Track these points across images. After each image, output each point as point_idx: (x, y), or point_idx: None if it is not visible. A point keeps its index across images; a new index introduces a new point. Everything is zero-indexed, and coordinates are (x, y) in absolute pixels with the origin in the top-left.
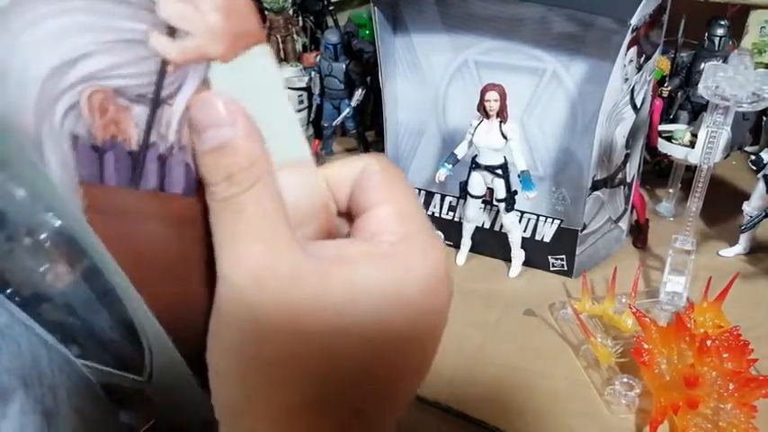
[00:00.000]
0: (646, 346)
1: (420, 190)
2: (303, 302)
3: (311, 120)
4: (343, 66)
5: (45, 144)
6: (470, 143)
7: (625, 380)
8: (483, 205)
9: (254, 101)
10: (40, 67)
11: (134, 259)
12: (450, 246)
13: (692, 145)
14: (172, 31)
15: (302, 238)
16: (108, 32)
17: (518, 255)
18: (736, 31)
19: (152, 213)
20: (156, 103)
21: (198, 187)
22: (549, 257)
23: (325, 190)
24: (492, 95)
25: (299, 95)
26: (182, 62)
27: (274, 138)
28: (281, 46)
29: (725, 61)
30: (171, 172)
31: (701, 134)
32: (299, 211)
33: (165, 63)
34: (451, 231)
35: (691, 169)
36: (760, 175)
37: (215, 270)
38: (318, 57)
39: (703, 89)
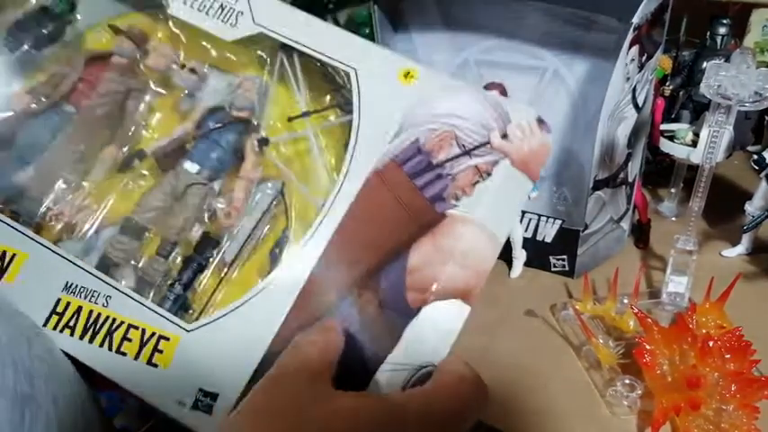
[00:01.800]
0: (647, 347)
1: None
2: None
3: None
4: None
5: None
6: None
7: (627, 381)
8: None
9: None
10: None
11: (362, 218)
12: None
13: (694, 144)
14: (504, 136)
15: None
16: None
17: (519, 255)
18: (739, 30)
19: (400, 197)
20: (467, 153)
21: (435, 208)
22: (551, 258)
23: None
24: None
25: None
26: (495, 147)
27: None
28: None
29: (727, 60)
30: (435, 184)
31: (703, 133)
32: None
33: (489, 141)
34: None
35: (693, 169)
36: (762, 174)
37: (388, 264)
38: None
39: (705, 88)
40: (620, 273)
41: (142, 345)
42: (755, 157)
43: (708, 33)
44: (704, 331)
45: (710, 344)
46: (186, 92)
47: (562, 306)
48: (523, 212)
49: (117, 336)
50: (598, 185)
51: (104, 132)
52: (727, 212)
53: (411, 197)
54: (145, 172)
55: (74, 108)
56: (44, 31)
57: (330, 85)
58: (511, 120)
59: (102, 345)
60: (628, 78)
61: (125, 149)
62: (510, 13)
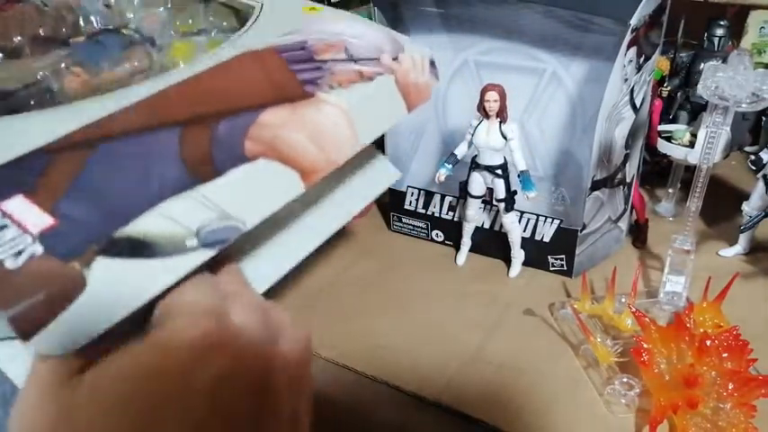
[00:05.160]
0: (645, 346)
1: (420, 190)
2: None
3: None
4: None
5: None
6: (470, 143)
7: (625, 379)
8: (483, 205)
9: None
10: None
11: (221, 77)
12: (449, 246)
13: (691, 145)
14: (394, 59)
15: None
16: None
17: (518, 255)
18: (736, 32)
19: (270, 73)
20: (354, 61)
21: (305, 88)
22: (549, 257)
23: None
24: (492, 95)
25: None
26: (383, 64)
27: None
28: None
29: (724, 61)
30: (311, 72)
31: (701, 134)
32: None
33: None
34: (451, 231)
35: (690, 169)
36: (759, 174)
37: None
38: None
39: (702, 89)
40: (618, 272)
41: None
42: (752, 157)
43: (705, 35)
44: (701, 330)
45: (708, 343)
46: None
47: (560, 305)
48: (522, 212)
49: None
50: (596, 186)
51: None
52: (724, 212)
53: (281, 75)
54: None
55: None
56: None
57: (237, 19)
58: (405, 51)
59: None
60: (626, 79)
61: None
62: (509, 14)
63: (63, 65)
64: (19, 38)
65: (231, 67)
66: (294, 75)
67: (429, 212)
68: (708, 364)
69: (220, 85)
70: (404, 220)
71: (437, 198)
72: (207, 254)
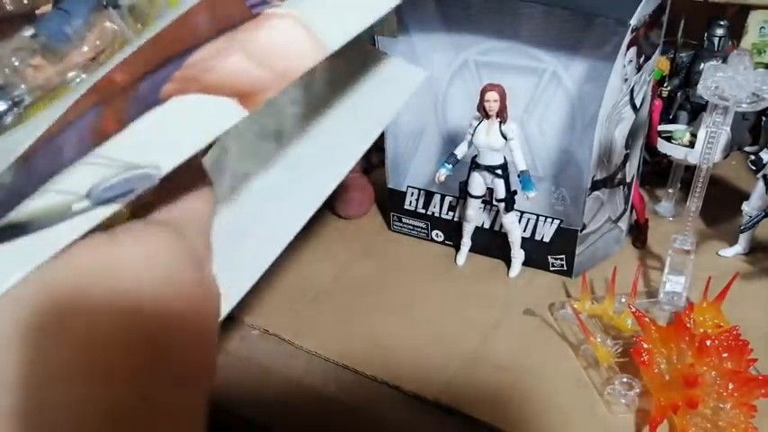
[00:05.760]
0: (645, 346)
1: (420, 190)
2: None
3: None
4: None
5: None
6: (470, 143)
7: (625, 379)
8: (483, 205)
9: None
10: None
11: (168, 35)
12: (449, 246)
13: (691, 145)
14: None
15: None
16: None
17: (518, 255)
18: (736, 32)
19: (221, 8)
20: None
21: (252, 11)
22: (549, 257)
23: None
24: (492, 95)
25: None
26: None
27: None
28: None
29: (724, 61)
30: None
31: (701, 134)
32: None
33: None
34: (451, 231)
35: (690, 169)
36: (759, 174)
37: None
38: None
39: (703, 89)
40: (618, 272)
41: None
42: (752, 157)
43: (705, 35)
44: (701, 330)
45: (708, 343)
46: None
47: (560, 305)
48: (522, 212)
49: None
50: (596, 186)
51: None
52: (724, 212)
53: (228, 6)
54: None
55: None
56: None
57: None
58: None
59: None
60: (626, 79)
61: None
62: (508, 14)
63: (17, 61)
64: None
65: (184, 20)
66: (243, 2)
67: (429, 212)
68: (708, 364)
69: (166, 45)
70: (404, 220)
71: (437, 198)
72: (103, 212)
